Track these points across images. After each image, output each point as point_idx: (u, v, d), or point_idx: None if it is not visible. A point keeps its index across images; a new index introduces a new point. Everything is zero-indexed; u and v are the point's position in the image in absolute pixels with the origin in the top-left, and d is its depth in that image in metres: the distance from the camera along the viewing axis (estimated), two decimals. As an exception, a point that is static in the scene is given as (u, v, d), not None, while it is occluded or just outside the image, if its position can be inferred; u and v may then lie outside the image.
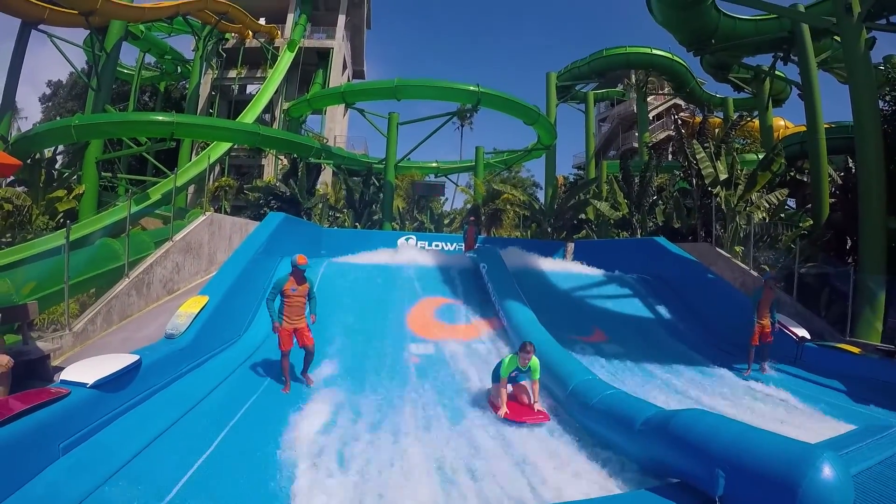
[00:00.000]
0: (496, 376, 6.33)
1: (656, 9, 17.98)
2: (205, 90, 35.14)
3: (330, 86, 33.78)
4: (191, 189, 29.46)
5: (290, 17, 35.91)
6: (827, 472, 3.20)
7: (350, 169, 27.81)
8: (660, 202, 20.44)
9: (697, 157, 16.34)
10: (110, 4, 22.57)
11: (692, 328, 11.32)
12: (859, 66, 11.87)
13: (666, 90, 36.99)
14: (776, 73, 21.75)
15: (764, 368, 8.90)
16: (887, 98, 13.67)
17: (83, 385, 4.60)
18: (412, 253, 14.85)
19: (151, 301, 9.75)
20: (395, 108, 23.19)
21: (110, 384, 4.85)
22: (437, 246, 18.53)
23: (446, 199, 32.75)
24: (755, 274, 12.12)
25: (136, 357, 5.31)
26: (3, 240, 16.40)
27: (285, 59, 33.72)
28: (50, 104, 42.14)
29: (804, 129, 18.32)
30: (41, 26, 22.69)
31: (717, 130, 22.63)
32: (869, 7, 11.78)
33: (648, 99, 36.08)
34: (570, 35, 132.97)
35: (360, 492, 4.16)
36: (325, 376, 7.24)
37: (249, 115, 29.18)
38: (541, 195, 35.56)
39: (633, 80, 36.62)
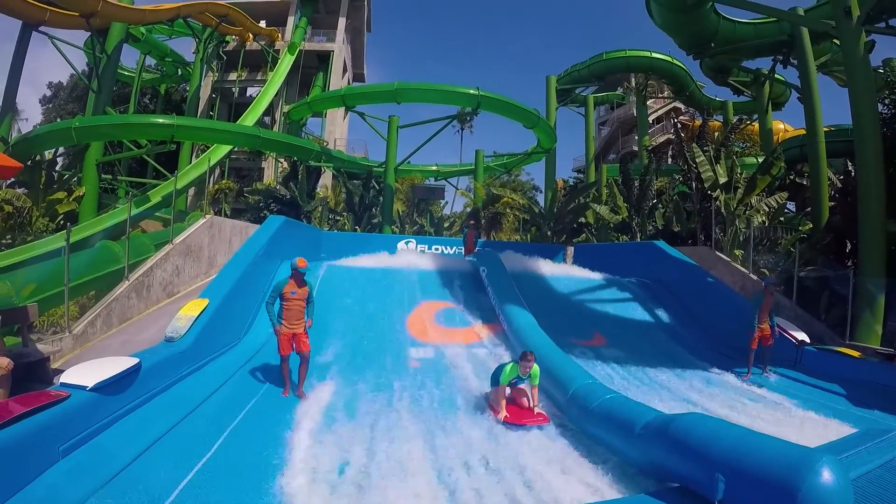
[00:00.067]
0: (495, 381, 6.32)
1: (656, 12, 18.03)
2: (205, 93, 35.21)
3: (330, 89, 33.83)
4: (191, 192, 29.47)
5: (291, 20, 35.97)
6: (826, 476, 3.21)
7: (350, 172, 27.82)
8: (659, 206, 20.44)
9: (697, 160, 16.36)
10: (111, 6, 22.62)
11: (692, 332, 11.32)
12: (859, 69, 11.90)
13: (666, 94, 37.10)
14: (776, 76, 21.81)
15: (766, 372, 8.91)
16: (886, 101, 13.71)
17: (83, 388, 4.60)
18: (412, 256, 14.85)
19: (151, 304, 9.76)
20: (395, 111, 23.31)
21: (110, 387, 4.85)
22: (436, 249, 18.51)
23: (446, 202, 32.75)
24: (755, 277, 12.13)
25: (135, 360, 5.31)
26: (4, 241, 16.38)
27: (286, 62, 33.76)
28: (50, 106, 42.20)
29: (804, 132, 18.41)
30: (42, 28, 22.76)
31: (716, 134, 22.70)
32: (868, 10, 11.82)
33: (648, 102, 36.14)
34: (570, 38, 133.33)
35: (359, 495, 4.16)
36: (325, 380, 7.24)
37: (250, 118, 29.20)
38: (540, 199, 35.57)
39: (633, 84, 36.66)
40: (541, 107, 27.47)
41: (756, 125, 27.73)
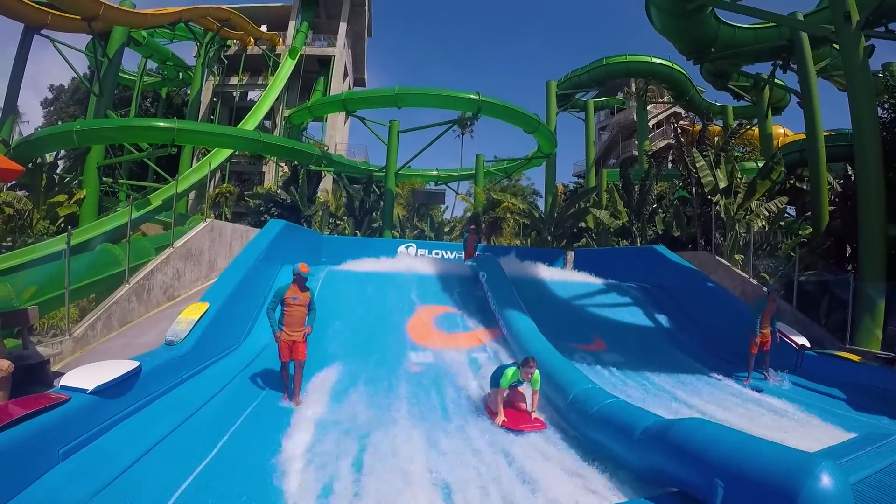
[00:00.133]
0: (495, 382, 6.33)
1: (656, 17, 18.09)
2: (206, 97, 35.31)
3: (331, 93, 33.92)
4: (191, 195, 29.55)
5: (292, 25, 36.11)
6: (826, 481, 3.20)
7: (350, 176, 27.85)
8: (660, 210, 20.46)
9: (697, 165, 16.38)
10: (113, 10, 22.74)
11: (692, 337, 11.32)
12: (858, 73, 11.92)
13: (666, 98, 37.14)
14: (775, 81, 21.87)
15: (768, 377, 8.90)
16: (886, 106, 13.74)
17: (83, 391, 4.61)
18: (412, 261, 14.86)
19: (152, 307, 9.75)
20: (396, 115, 23.25)
21: (110, 390, 4.86)
22: (436, 254, 18.53)
23: (446, 207, 32.72)
24: (755, 282, 12.12)
25: (136, 363, 5.32)
26: (4, 244, 16.41)
27: (287, 67, 33.86)
28: (52, 109, 42.24)
29: (803, 136, 18.42)
30: (44, 31, 22.85)
31: (716, 138, 22.70)
32: (868, 15, 11.87)
33: (648, 107, 36.20)
34: (571, 44, 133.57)
35: (358, 499, 4.16)
36: (325, 383, 7.22)
37: (250, 122, 29.27)
38: (541, 203, 35.62)
39: (633, 89, 36.76)
40: (541, 112, 27.48)
41: (756, 130, 27.73)
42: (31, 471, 3.83)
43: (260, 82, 36.01)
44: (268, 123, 35.05)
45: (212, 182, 28.66)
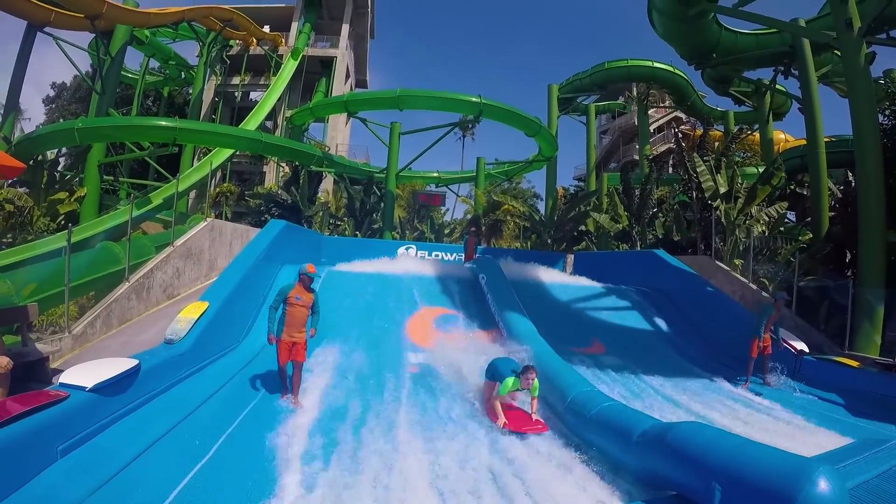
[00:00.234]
0: (490, 376, 6.37)
1: (658, 22, 18.12)
2: (208, 96, 35.34)
3: (333, 94, 33.91)
4: (192, 194, 29.53)
5: (295, 26, 36.15)
6: (823, 485, 3.21)
7: (351, 177, 27.86)
8: (660, 215, 20.48)
9: (698, 170, 16.40)
10: (116, 9, 22.75)
11: (691, 341, 11.31)
12: (859, 80, 11.96)
13: (667, 103, 37.19)
14: (777, 86, 21.89)
15: (767, 381, 8.90)
16: (887, 112, 13.78)
17: (82, 388, 4.61)
18: (412, 262, 14.88)
19: (151, 305, 9.76)
20: (397, 117, 23.29)
21: (109, 388, 4.86)
22: (436, 256, 18.54)
23: (447, 209, 32.76)
24: (754, 287, 12.13)
25: (135, 361, 5.32)
26: (4, 241, 16.41)
27: (289, 67, 33.88)
28: (54, 106, 42.25)
29: (804, 142, 18.46)
30: (47, 29, 22.84)
31: (717, 143, 22.72)
32: (869, 22, 11.90)
33: (649, 112, 36.26)
34: (572, 48, 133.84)
35: (356, 500, 4.16)
36: (323, 384, 7.20)
37: (252, 122, 29.28)
38: (541, 206, 35.65)
39: (635, 93, 36.79)
40: (542, 115, 27.57)
41: (757, 135, 27.80)
42: (29, 468, 3.83)
43: (262, 83, 36.02)
44: (269, 124, 35.06)
45: (212, 181, 28.64)
